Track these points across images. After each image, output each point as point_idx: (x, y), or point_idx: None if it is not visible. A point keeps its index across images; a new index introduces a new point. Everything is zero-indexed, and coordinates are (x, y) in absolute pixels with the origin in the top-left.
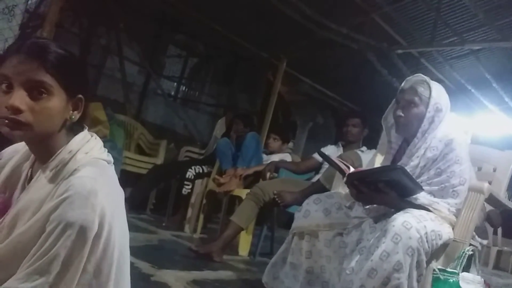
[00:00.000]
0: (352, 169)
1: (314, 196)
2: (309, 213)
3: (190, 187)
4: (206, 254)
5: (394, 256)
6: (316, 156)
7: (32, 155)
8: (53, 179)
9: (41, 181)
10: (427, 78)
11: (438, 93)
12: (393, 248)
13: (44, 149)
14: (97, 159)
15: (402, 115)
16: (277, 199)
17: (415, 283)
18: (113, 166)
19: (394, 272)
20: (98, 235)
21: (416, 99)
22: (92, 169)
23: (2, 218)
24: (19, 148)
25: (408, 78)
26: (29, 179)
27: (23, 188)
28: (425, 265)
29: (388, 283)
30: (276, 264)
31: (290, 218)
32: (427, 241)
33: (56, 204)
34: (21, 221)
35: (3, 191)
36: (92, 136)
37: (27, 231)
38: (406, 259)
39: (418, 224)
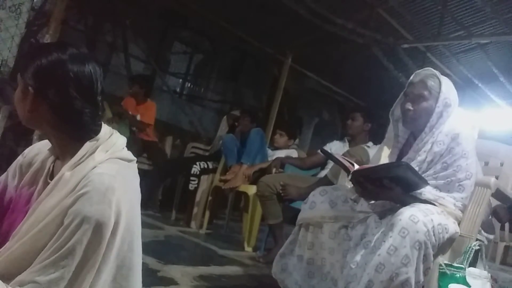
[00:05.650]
0: (356, 166)
1: (320, 188)
2: (315, 205)
3: (196, 182)
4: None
5: (402, 250)
6: None
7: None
8: (72, 178)
9: (62, 180)
10: (437, 72)
11: (447, 88)
12: (400, 242)
13: (62, 146)
14: (116, 158)
15: (411, 108)
16: (281, 192)
17: (422, 277)
18: (135, 164)
19: (402, 267)
20: (113, 233)
21: (426, 93)
22: (112, 166)
23: (27, 214)
24: (43, 146)
25: (417, 71)
26: (51, 174)
27: (45, 182)
28: (432, 258)
29: (396, 278)
30: (284, 255)
31: (296, 214)
32: (434, 235)
33: (74, 199)
34: (41, 219)
35: (31, 184)
36: (113, 133)
37: (46, 226)
38: (414, 253)
39: (425, 217)
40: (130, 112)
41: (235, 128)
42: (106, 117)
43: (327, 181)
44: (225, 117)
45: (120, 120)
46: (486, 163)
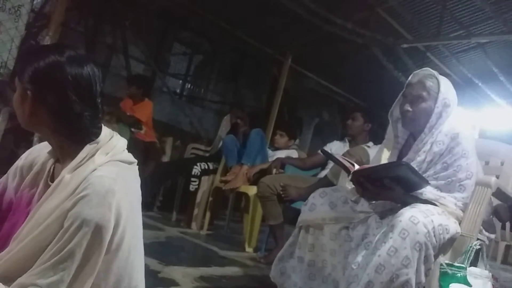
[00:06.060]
0: (356, 167)
1: (320, 190)
2: (315, 207)
3: (197, 183)
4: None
5: (402, 252)
6: None
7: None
8: (72, 180)
9: (62, 183)
10: (435, 72)
11: (446, 88)
12: (400, 243)
13: (62, 149)
14: (116, 161)
15: (410, 109)
16: (282, 193)
17: (423, 278)
18: (136, 167)
19: (402, 268)
20: (112, 235)
21: (425, 93)
22: (112, 169)
23: (28, 216)
24: (42, 148)
25: (415, 72)
26: (51, 176)
27: (46, 184)
28: (433, 259)
29: (396, 279)
30: (283, 258)
31: (297, 214)
32: (434, 236)
33: (74, 202)
34: (41, 221)
35: (32, 186)
36: (113, 135)
37: (46, 228)
38: (414, 254)
39: (425, 218)
40: (127, 113)
41: (237, 127)
42: (105, 119)
43: (327, 182)
44: (227, 116)
45: (120, 122)
46: (487, 163)
